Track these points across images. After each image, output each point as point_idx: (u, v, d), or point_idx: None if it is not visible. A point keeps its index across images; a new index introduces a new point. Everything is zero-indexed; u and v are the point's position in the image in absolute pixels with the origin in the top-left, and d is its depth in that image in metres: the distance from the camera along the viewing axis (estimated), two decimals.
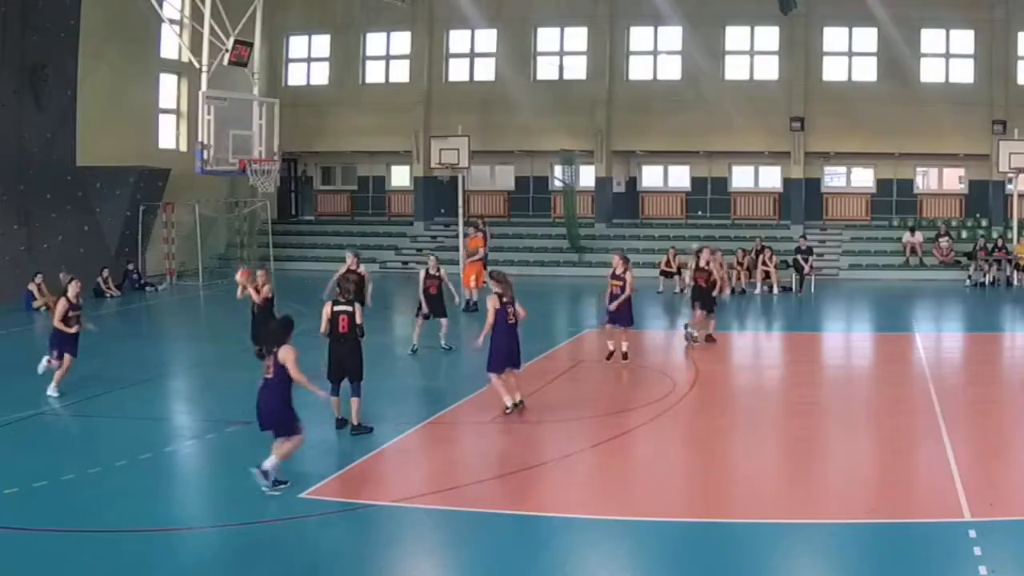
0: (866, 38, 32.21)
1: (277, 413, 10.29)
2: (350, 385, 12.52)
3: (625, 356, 16.87)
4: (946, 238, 30.27)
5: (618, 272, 16.66)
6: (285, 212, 37.55)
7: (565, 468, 11.50)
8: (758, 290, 27.59)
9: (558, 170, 33.13)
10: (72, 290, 14.99)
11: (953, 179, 33.90)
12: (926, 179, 34.21)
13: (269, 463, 10.18)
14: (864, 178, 34.38)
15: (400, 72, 35.67)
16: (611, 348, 17.05)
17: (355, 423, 12.48)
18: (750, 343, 21.36)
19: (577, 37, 34.59)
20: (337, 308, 12.56)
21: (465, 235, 24.42)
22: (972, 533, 8.91)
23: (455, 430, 13.37)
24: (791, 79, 32.35)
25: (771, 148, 32.83)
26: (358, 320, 12.50)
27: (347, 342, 12.47)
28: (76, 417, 13.77)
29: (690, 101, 32.45)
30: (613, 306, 16.62)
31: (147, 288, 28.14)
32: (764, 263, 27.84)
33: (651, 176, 35.98)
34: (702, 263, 18.45)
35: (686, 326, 18.89)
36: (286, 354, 10.23)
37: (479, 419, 13.65)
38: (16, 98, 25.41)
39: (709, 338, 18.70)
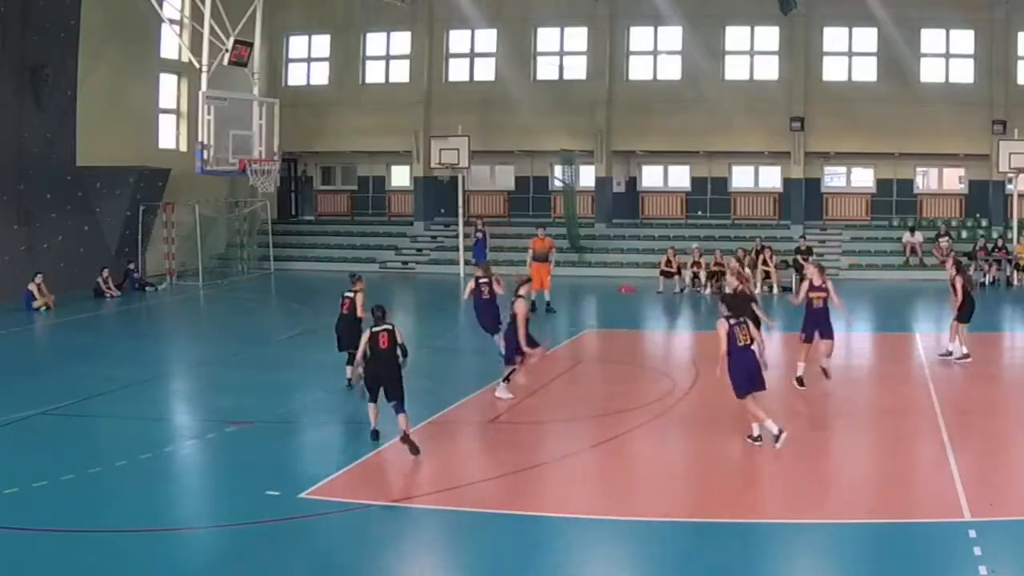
0: (866, 38, 32.19)
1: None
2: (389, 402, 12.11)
3: (826, 373, 15.10)
4: (946, 238, 30.26)
5: (816, 283, 15.19)
6: (285, 212, 37.54)
7: (565, 468, 11.50)
8: (758, 290, 27.56)
9: (558, 170, 33.12)
10: None
11: (953, 179, 33.88)
12: (926, 179, 34.19)
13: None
14: (864, 178, 34.36)
15: (400, 72, 35.65)
16: (805, 365, 15.20)
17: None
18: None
19: (577, 37, 34.57)
20: (376, 329, 12.19)
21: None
22: (972, 533, 8.92)
23: (455, 430, 13.37)
24: (791, 79, 32.33)
25: (771, 148, 32.82)
26: (398, 339, 12.20)
27: (384, 359, 12.15)
28: (76, 417, 13.76)
29: (690, 101, 32.43)
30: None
31: (147, 288, 28.13)
32: (764, 263, 27.84)
33: (651, 176, 35.97)
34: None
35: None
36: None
37: (479, 419, 13.66)
38: (16, 98, 25.40)
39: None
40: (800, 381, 14.94)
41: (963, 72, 31.68)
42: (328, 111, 35.09)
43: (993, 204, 31.59)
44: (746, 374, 11.86)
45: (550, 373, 16.53)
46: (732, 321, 11.89)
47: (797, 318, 15.60)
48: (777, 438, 11.73)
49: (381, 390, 12.11)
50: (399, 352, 12.21)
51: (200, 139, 20.80)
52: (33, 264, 24.95)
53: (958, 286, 16.93)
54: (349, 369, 14.90)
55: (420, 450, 11.61)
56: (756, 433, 12.06)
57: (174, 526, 9.73)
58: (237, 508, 10.08)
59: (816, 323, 15.08)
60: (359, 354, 12.35)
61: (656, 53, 33.86)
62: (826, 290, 15.18)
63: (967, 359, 16.65)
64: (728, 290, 14.89)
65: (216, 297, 27.92)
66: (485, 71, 34.98)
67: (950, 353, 17.08)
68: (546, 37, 34.76)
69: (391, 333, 12.21)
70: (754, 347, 12.10)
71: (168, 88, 32.19)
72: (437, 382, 16.01)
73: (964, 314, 16.88)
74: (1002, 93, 30.86)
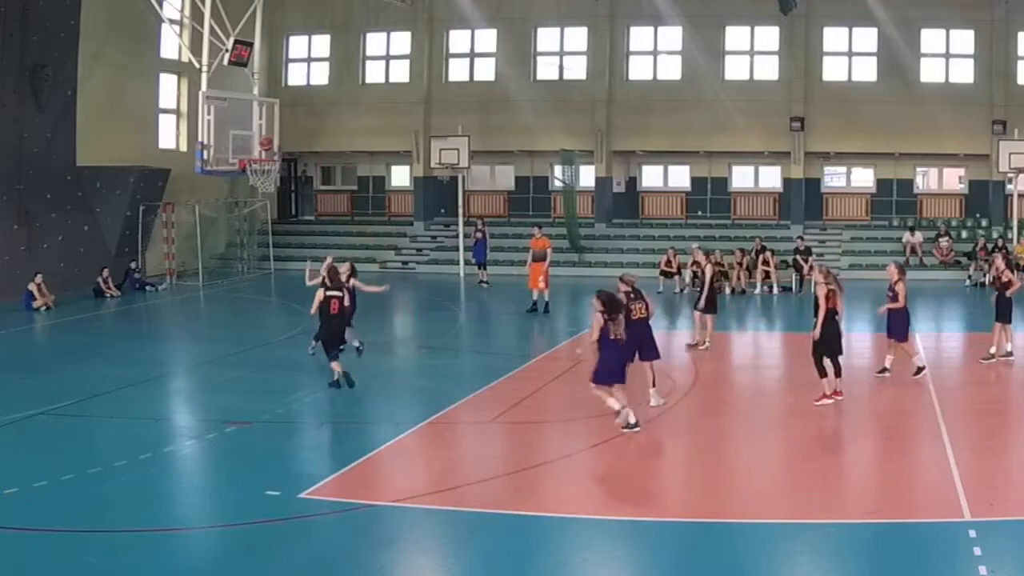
0: (866, 38, 32.20)
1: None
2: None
3: (884, 370, 15.77)
4: (946, 238, 30.28)
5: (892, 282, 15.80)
6: (285, 212, 37.56)
7: (565, 468, 11.50)
8: (758, 290, 27.60)
9: (558, 170, 33.14)
10: None
11: (953, 179, 33.89)
12: (926, 179, 34.21)
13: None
14: (864, 178, 34.38)
15: (400, 72, 35.66)
16: (886, 364, 15.87)
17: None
18: (750, 343, 21.35)
19: (577, 37, 34.59)
20: (330, 294, 15.05)
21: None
22: (972, 533, 8.92)
23: (455, 430, 13.37)
24: (791, 79, 32.34)
25: (771, 148, 32.84)
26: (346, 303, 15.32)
27: (338, 322, 15.20)
28: (76, 417, 13.75)
29: (690, 101, 32.45)
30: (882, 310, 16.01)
31: (147, 288, 28.14)
32: (764, 263, 27.85)
33: (651, 176, 35.98)
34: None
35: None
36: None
37: (479, 419, 13.66)
38: (16, 98, 25.39)
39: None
40: (919, 371, 15.62)
41: (963, 72, 31.70)
42: (328, 111, 35.11)
43: (993, 204, 31.61)
44: (613, 367, 12.64)
45: (550, 373, 16.54)
46: (606, 317, 12.58)
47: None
48: (631, 427, 12.55)
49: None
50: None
51: (200, 139, 20.84)
52: (33, 264, 24.95)
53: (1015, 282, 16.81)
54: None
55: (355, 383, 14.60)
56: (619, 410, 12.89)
57: (174, 526, 9.73)
58: (237, 508, 10.08)
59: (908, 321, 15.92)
60: (313, 309, 15.03)
61: (656, 53, 33.88)
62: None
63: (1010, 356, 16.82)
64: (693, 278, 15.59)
65: (216, 297, 27.91)
66: (485, 71, 34.99)
67: (993, 356, 16.85)
68: (546, 37, 34.78)
69: (341, 300, 15.02)
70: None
71: (168, 88, 32.18)
72: (437, 382, 16.02)
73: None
74: (1002, 93, 30.87)
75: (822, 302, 14.27)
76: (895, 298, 15.64)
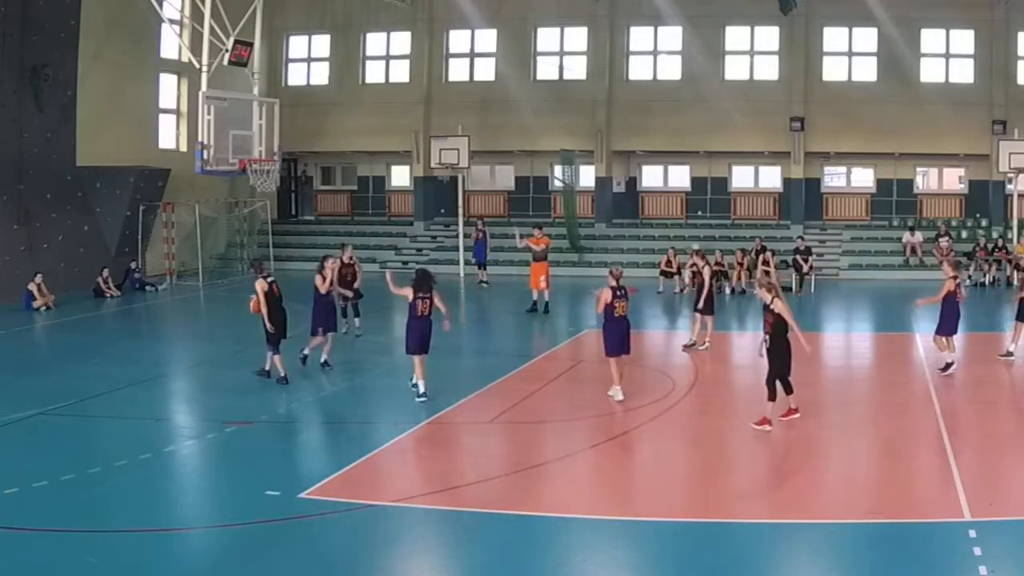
0: (866, 38, 32.20)
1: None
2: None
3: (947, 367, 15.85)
4: (946, 238, 30.27)
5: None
6: (285, 212, 37.55)
7: (565, 468, 11.50)
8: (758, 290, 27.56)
9: (558, 170, 33.13)
10: None
11: (953, 179, 33.90)
12: (926, 179, 34.22)
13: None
14: (864, 178, 34.39)
15: (400, 72, 35.66)
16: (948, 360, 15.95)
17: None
18: (750, 343, 21.31)
19: (577, 37, 34.59)
20: (270, 279, 15.64)
21: (527, 235, 23.60)
22: (972, 533, 8.92)
23: (455, 430, 13.37)
24: (791, 79, 32.34)
25: (771, 148, 32.84)
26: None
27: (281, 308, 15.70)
28: (76, 417, 13.76)
29: (690, 101, 32.45)
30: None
31: (147, 288, 28.14)
32: (764, 263, 27.83)
33: (651, 176, 35.98)
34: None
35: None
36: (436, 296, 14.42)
37: (479, 419, 13.66)
38: (16, 98, 25.38)
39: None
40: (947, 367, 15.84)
41: (963, 72, 31.69)
42: (328, 111, 35.11)
43: (993, 204, 31.61)
44: (618, 341, 14.19)
45: (550, 373, 16.54)
46: (618, 293, 14.10)
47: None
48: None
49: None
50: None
51: (200, 139, 20.79)
52: (33, 264, 24.95)
53: None
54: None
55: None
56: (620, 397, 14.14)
57: (174, 526, 9.73)
58: (237, 508, 10.08)
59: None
60: (262, 305, 15.25)
61: (656, 53, 33.87)
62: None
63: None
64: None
65: (216, 297, 27.90)
66: (485, 71, 34.99)
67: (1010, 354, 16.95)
68: (546, 37, 34.78)
69: (278, 283, 15.65)
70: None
71: (168, 88, 32.18)
72: (437, 382, 16.00)
73: None
74: (1002, 93, 30.87)
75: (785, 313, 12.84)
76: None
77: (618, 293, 14.26)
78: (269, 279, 15.61)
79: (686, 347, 18.51)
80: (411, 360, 14.59)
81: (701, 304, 18.46)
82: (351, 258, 19.23)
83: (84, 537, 9.29)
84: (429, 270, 15.14)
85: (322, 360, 16.50)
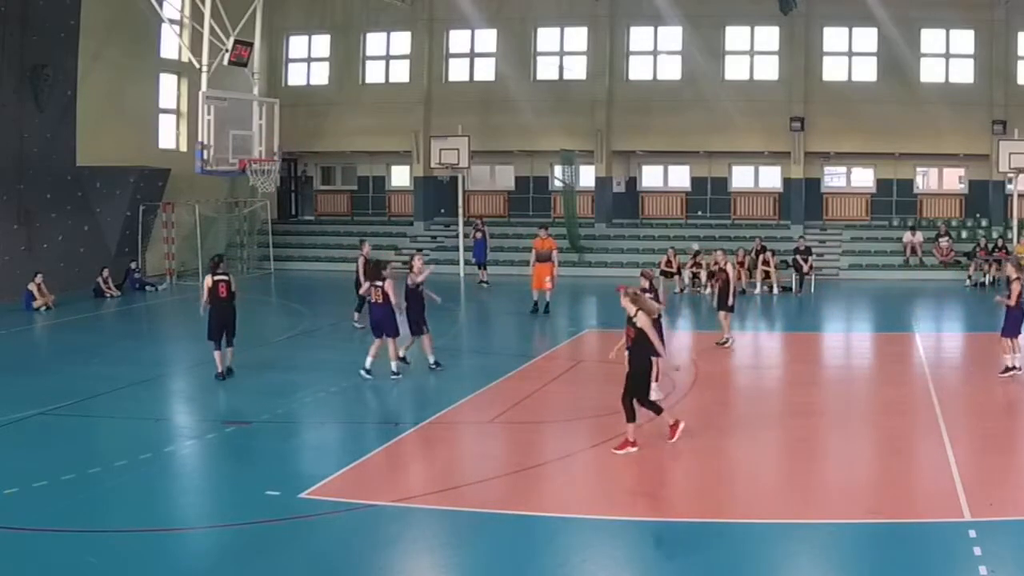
0: (866, 38, 32.20)
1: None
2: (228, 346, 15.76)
3: (1008, 370, 15.55)
4: (946, 238, 30.27)
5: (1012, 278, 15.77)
6: (285, 212, 37.54)
7: (565, 468, 11.50)
8: (758, 290, 27.58)
9: (558, 170, 33.13)
10: None
11: (953, 179, 33.89)
12: (926, 179, 34.22)
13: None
14: (864, 178, 34.38)
15: (400, 72, 35.66)
16: (1009, 363, 15.62)
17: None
18: (750, 343, 21.33)
19: (577, 37, 34.58)
20: (217, 278, 15.62)
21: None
22: (972, 533, 8.92)
23: (455, 430, 13.37)
24: (791, 79, 32.34)
25: (771, 148, 32.83)
26: (233, 288, 15.67)
27: (227, 307, 15.62)
28: (76, 417, 13.76)
29: (690, 101, 32.44)
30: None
31: (147, 288, 28.13)
32: (764, 263, 27.83)
33: (651, 176, 35.97)
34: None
35: None
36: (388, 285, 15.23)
37: (479, 419, 13.66)
38: (16, 98, 25.38)
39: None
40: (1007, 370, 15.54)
41: (963, 72, 31.70)
42: (328, 111, 35.10)
43: (993, 204, 31.61)
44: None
45: (550, 373, 16.54)
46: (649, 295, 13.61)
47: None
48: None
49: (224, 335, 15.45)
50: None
51: (200, 139, 20.78)
52: (33, 264, 24.94)
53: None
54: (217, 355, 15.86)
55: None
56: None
57: (174, 526, 9.73)
58: (237, 508, 10.08)
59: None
60: (204, 299, 15.44)
61: (656, 53, 33.87)
62: None
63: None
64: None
65: None
66: (485, 71, 34.98)
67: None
68: (546, 37, 34.77)
69: (228, 283, 15.54)
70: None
71: (168, 88, 32.17)
72: (437, 382, 16.01)
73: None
74: (1002, 93, 30.87)
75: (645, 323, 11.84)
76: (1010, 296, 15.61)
77: (650, 295, 13.88)
78: (217, 277, 15.69)
79: (719, 344, 18.72)
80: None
81: (731, 301, 18.74)
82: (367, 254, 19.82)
83: (84, 537, 9.29)
84: (381, 260, 16.16)
85: (431, 362, 16.30)
